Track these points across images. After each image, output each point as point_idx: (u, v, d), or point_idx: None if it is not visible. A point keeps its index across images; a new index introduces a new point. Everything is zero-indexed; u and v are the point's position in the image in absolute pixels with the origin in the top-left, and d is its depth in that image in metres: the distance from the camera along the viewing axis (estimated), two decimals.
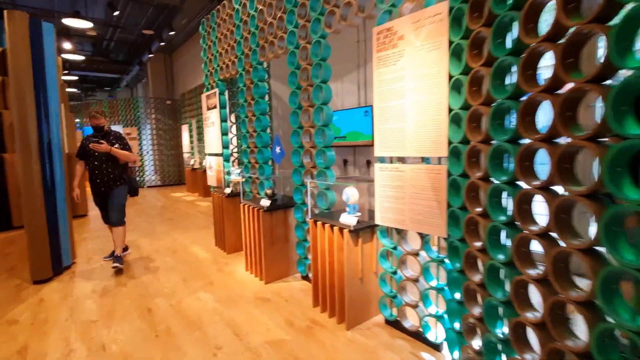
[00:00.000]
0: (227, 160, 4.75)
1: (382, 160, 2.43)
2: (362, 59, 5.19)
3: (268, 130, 3.90)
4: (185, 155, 11.35)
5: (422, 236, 2.22)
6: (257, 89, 3.75)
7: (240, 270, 3.77)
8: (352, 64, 5.32)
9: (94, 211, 7.57)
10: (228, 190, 4.34)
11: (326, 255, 2.63)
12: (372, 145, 4.94)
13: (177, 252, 4.52)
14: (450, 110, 1.95)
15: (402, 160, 2.33)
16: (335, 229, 2.51)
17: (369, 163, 5.22)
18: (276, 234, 3.42)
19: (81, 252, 4.62)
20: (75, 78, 14.07)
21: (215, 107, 4.66)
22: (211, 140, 4.96)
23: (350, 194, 2.66)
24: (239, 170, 4.54)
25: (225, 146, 4.69)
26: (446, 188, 1.99)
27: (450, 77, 1.92)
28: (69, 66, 12.49)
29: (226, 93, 4.76)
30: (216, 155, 4.88)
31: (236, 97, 4.25)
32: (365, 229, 2.50)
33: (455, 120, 1.94)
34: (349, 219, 2.51)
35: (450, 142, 1.96)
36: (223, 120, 4.63)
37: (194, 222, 6.21)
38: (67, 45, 8.77)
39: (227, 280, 3.50)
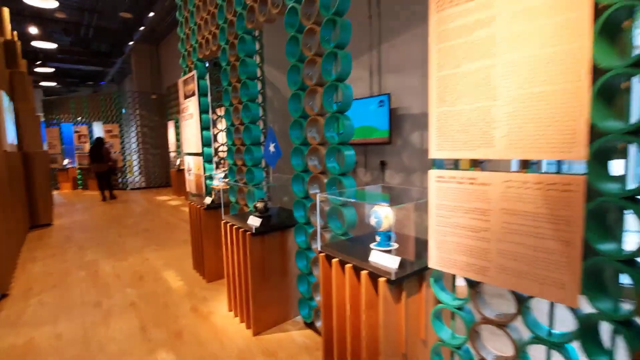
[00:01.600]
0: (208, 161, 3.79)
1: (439, 164, 1.50)
2: (375, 38, 4.26)
3: (259, 123, 2.95)
4: (172, 155, 10.35)
5: (521, 296, 1.29)
6: (244, 68, 2.79)
7: (222, 310, 2.82)
8: (362, 45, 4.38)
9: (63, 219, 6.58)
10: (208, 201, 3.39)
11: (346, 310, 1.69)
12: (388, 142, 4.00)
13: (143, 279, 3.55)
14: (597, 72, 1.02)
15: (479, 165, 1.39)
16: (363, 274, 1.57)
17: (383, 165, 4.29)
18: (270, 264, 2.47)
19: (22, 280, 3.63)
20: (51, 70, 12.97)
21: (193, 94, 3.69)
22: (189, 137, 4.00)
23: (383, 215, 1.73)
24: (222, 175, 3.58)
25: (206, 143, 3.73)
26: (583, 218, 1.06)
27: (598, 6, 0.99)
28: (43, 56, 11.42)
29: (208, 77, 3.80)
30: (195, 155, 3.92)
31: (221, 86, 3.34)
32: (412, 276, 1.56)
33: (606, 92, 1.01)
34: (385, 260, 1.57)
35: (596, 133, 1.04)
36: (203, 111, 3.67)
37: (173, 235, 5.23)
38: (33, 30, 7.73)
39: (201, 329, 2.55)
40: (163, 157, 11.31)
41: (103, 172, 8.68)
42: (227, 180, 3.43)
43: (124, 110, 11.22)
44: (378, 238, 1.78)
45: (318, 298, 2.35)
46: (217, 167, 4.13)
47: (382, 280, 1.48)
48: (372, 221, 1.76)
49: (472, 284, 1.43)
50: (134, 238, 5.13)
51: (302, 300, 2.54)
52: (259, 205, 2.60)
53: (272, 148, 2.59)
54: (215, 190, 3.64)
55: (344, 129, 1.97)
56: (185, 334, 2.48)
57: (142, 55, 12.13)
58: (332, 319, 1.80)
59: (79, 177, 11.41)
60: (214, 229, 3.34)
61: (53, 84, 15.82)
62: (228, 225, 2.62)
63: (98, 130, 11.36)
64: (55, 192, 10.40)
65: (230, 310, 2.77)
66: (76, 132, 11.53)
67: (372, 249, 1.76)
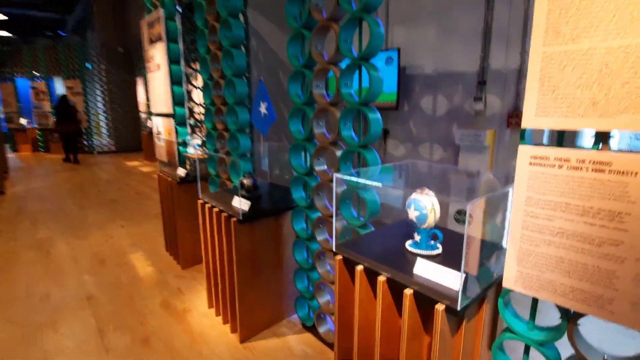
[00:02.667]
0: (181, 124, 3.14)
1: (534, 138, 0.99)
2: None
3: (245, 78, 2.32)
4: (142, 116, 9.40)
5: None
6: (224, 2, 2.12)
7: (200, 306, 2.33)
8: None
9: (18, 186, 5.78)
10: (182, 173, 2.79)
11: (375, 336, 1.23)
12: (395, 108, 3.45)
13: (105, 263, 2.99)
14: None
15: (606, 141, 0.89)
16: (407, 295, 1.08)
17: (385, 133, 3.76)
18: (261, 257, 1.97)
19: None
20: (4, 18, 11.29)
21: (160, 38, 2.96)
22: (157, 93, 3.30)
23: (428, 207, 1.23)
24: (199, 141, 2.96)
25: (177, 102, 3.06)
26: None
27: None
28: None
29: (179, 21, 3.05)
30: (165, 116, 3.25)
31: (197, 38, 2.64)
32: (475, 302, 1.09)
33: None
34: (439, 274, 1.08)
35: None
36: (173, 61, 2.97)
37: (144, 207, 4.62)
38: None
39: (174, 334, 2.06)
40: (133, 118, 10.30)
41: (70, 133, 7.81)
42: (204, 148, 2.82)
43: (89, 66, 9.99)
44: (417, 237, 1.29)
45: (322, 299, 1.89)
46: (192, 132, 3.48)
47: (440, 308, 1.00)
48: (412, 214, 1.26)
49: (572, 316, 0.97)
50: (97, 210, 4.48)
51: (299, 298, 2.08)
52: (246, 182, 2.05)
53: (263, 109, 2.00)
54: (191, 159, 3.03)
55: (372, 83, 1.40)
56: (153, 340, 1.99)
57: (105, 1, 10.66)
58: (352, 342, 1.34)
59: (39, 138, 10.31)
60: (189, 207, 2.77)
61: (6, 33, 13.94)
62: (207, 207, 2.07)
63: (59, 87, 10.14)
64: (12, 155, 9.37)
65: (211, 307, 2.29)
66: (33, 88, 10.27)
67: (412, 251, 1.27)
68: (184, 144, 3.11)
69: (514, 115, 2.75)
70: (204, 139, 2.99)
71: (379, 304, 1.17)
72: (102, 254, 3.15)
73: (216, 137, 2.57)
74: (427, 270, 1.11)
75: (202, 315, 2.23)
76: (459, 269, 1.04)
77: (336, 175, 1.37)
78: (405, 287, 1.09)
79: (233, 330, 2.05)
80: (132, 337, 2.02)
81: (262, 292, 2.02)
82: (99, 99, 10.00)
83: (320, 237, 1.81)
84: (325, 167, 1.78)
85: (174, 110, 3.07)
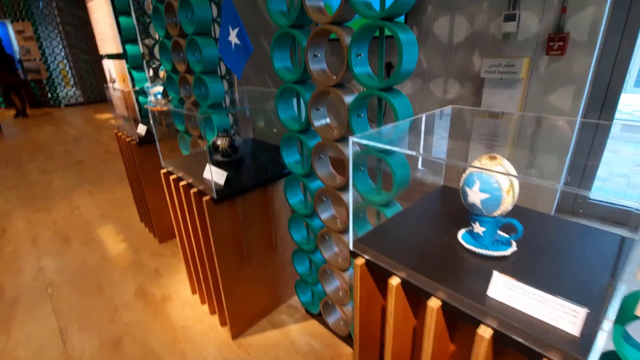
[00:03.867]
0: (136, 67, 2.50)
1: None
2: None
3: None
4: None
5: None
6: None
7: (182, 292, 1.96)
8: None
9: None
10: (142, 130, 2.23)
11: None
12: None
13: (70, 241, 2.56)
14: None
15: None
16: (485, 339, 0.66)
17: (389, 68, 3.16)
18: (249, 239, 1.54)
19: None
20: None
21: None
22: (103, 29, 2.60)
23: (501, 183, 0.76)
24: (160, 89, 2.36)
25: (127, 38, 2.39)
26: None
27: None
28: None
29: None
30: (115, 57, 2.59)
31: None
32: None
33: None
34: (537, 304, 0.66)
35: None
36: None
37: (115, 168, 4.08)
38: None
39: (151, 331, 1.71)
40: (97, 63, 9.18)
41: (9, 84, 7.03)
42: (168, 99, 2.24)
43: (40, 4, 8.59)
44: (479, 228, 0.85)
45: (330, 287, 1.51)
46: (153, 78, 2.84)
47: None
48: (475, 196, 0.81)
49: None
50: (62, 175, 3.94)
51: (299, 282, 1.71)
52: (221, 142, 1.53)
53: (233, 38, 1.41)
54: (155, 112, 2.45)
55: (403, 56, 0.85)
56: (126, 342, 1.64)
57: None
58: None
59: None
60: (157, 170, 2.27)
61: None
62: (171, 179, 1.57)
63: (3, 31, 8.81)
64: None
65: (195, 294, 1.93)
66: None
67: (471, 250, 0.84)
68: (144, 93, 2.50)
69: (557, 37, 2.18)
70: (162, 84, 2.39)
71: (428, 335, 0.77)
72: (66, 230, 2.71)
73: (178, 82, 1.98)
74: (513, 294, 0.68)
75: (184, 304, 1.87)
76: (563, 289, 0.61)
77: (353, 139, 0.87)
78: (476, 320, 0.68)
79: (223, 323, 1.70)
80: (101, 340, 1.66)
81: (254, 278, 1.63)
82: (54, 43, 8.78)
83: (324, 215, 1.37)
84: (328, 120, 1.27)
85: (124, 49, 2.41)
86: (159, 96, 2.37)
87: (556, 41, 2.19)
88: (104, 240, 2.53)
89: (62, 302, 1.93)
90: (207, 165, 1.43)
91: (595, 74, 2.29)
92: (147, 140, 2.15)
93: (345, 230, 1.32)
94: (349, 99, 1.12)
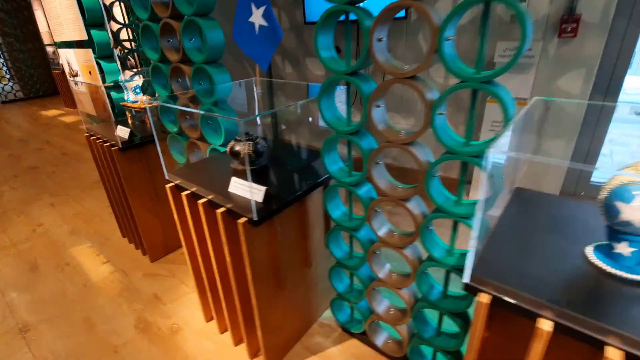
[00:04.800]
0: (105, 56, 2.11)
1: None
2: None
3: None
4: (49, 50, 7.39)
5: None
6: None
7: (194, 320, 1.69)
8: None
9: None
10: (123, 133, 1.87)
11: None
12: (404, 17, 2.62)
13: (39, 267, 2.16)
14: None
15: None
16: None
17: None
18: (284, 259, 1.30)
19: None
20: None
21: None
22: (57, 10, 2.15)
23: None
24: (138, 82, 2.00)
25: (92, 22, 1.99)
26: None
27: None
28: None
29: None
30: (77, 46, 2.17)
31: None
32: None
33: None
34: None
35: None
36: None
37: (78, 172, 3.58)
38: None
39: None
40: (38, 53, 8.13)
41: None
42: (154, 96, 1.89)
43: None
44: (628, 249, 0.70)
45: (380, 307, 1.33)
46: (124, 68, 2.43)
47: None
48: (633, 214, 0.65)
49: None
50: (13, 185, 3.39)
51: (336, 301, 1.51)
52: (242, 148, 1.26)
53: (257, 19, 1.14)
54: (133, 111, 2.09)
55: None
56: None
57: None
58: None
59: None
60: (144, 180, 1.94)
61: None
62: (184, 196, 1.28)
63: None
64: None
65: (210, 320, 1.67)
66: None
67: (615, 274, 0.69)
68: (118, 88, 2.13)
69: (570, 19, 2.09)
70: (147, 77, 2.04)
71: None
72: (30, 254, 2.29)
73: (170, 75, 1.65)
74: None
75: (199, 334, 1.60)
76: None
77: (493, 152, 0.67)
78: None
79: (253, 354, 1.47)
80: None
81: (289, 302, 1.41)
82: None
83: (381, 231, 1.17)
84: (386, 117, 1.06)
85: (89, 35, 2.01)
86: (138, 91, 2.01)
87: (569, 23, 2.11)
88: (82, 263, 2.16)
89: (44, 347, 1.59)
90: (234, 179, 1.17)
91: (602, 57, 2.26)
92: (129, 144, 1.81)
93: (405, 245, 1.13)
94: (432, 95, 0.92)
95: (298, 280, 1.43)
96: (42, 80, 8.34)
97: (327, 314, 1.66)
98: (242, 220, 1.06)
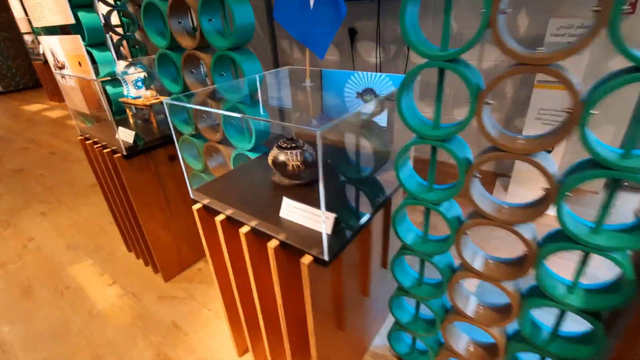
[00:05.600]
0: (96, 45, 1.80)
1: None
2: None
3: None
4: (27, 39, 6.86)
5: None
6: None
7: (227, 354, 1.45)
8: None
9: None
10: (127, 136, 1.57)
11: None
12: None
13: (33, 289, 1.88)
14: None
15: None
16: None
17: (352, 35, 2.67)
18: (347, 295, 1.06)
19: None
20: None
21: None
22: None
23: None
24: (140, 75, 1.69)
25: (79, 3, 1.67)
26: None
27: None
28: None
29: None
30: (62, 31, 1.84)
31: None
32: None
33: None
34: None
35: None
36: None
37: (69, 174, 3.26)
38: None
39: None
40: (15, 43, 7.56)
41: None
42: (161, 91, 1.60)
43: None
44: None
45: (457, 342, 1.10)
46: (120, 56, 2.11)
47: None
48: None
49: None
50: None
51: (395, 332, 1.28)
52: (289, 158, 0.99)
53: None
54: (134, 109, 1.79)
55: None
56: None
57: None
58: None
59: None
60: (154, 189, 1.66)
61: None
62: (218, 221, 1.01)
63: None
64: None
65: (245, 354, 1.43)
66: None
67: None
68: (114, 82, 1.82)
69: None
70: (150, 69, 1.73)
71: None
72: (22, 275, 2.00)
73: (182, 64, 1.36)
74: None
75: None
76: None
77: None
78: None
79: None
80: None
81: (350, 337, 1.17)
82: None
83: (474, 260, 0.93)
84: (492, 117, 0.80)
85: (77, 18, 1.68)
86: (140, 84, 1.70)
87: None
88: (84, 285, 1.89)
89: None
90: (288, 202, 0.90)
91: None
92: (136, 150, 1.52)
93: (508, 280, 0.89)
94: (579, 87, 0.66)
95: (357, 312, 1.19)
96: (22, 73, 7.81)
97: (379, 340, 1.43)
98: (307, 259, 0.80)
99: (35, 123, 5.14)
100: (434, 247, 1.00)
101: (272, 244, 0.86)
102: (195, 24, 1.21)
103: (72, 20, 1.67)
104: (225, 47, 1.15)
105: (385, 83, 1.26)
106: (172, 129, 1.05)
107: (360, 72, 1.18)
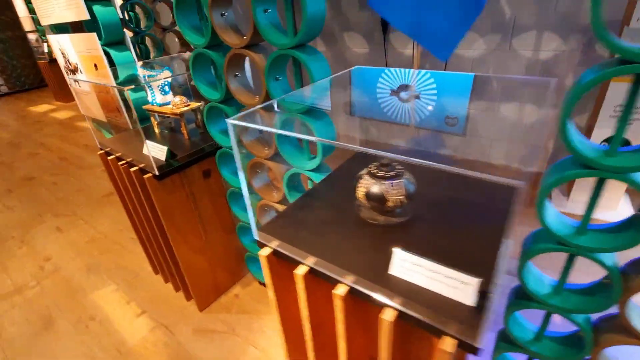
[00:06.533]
0: (114, 43, 1.56)
1: None
2: None
3: None
4: (31, 37, 6.64)
5: None
6: None
7: None
8: None
9: None
10: (158, 153, 1.35)
11: None
12: None
13: (54, 320, 1.69)
14: None
15: None
16: None
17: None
18: None
19: None
20: None
21: None
22: None
23: None
24: (167, 77, 1.45)
25: None
26: None
27: None
28: None
29: None
30: (74, 29, 1.62)
31: None
32: None
33: None
34: None
35: None
36: None
37: (83, 182, 3.06)
38: None
39: None
40: (19, 42, 7.35)
41: None
42: (190, 96, 1.37)
43: None
44: None
45: None
46: (140, 56, 1.87)
47: None
48: None
49: None
50: (8, 203, 2.87)
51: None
52: (387, 190, 0.76)
53: None
54: (159, 118, 1.56)
55: None
56: None
57: None
58: None
59: None
60: (189, 211, 1.44)
61: None
62: (302, 279, 0.78)
63: None
64: None
65: None
66: None
67: None
68: (137, 87, 1.59)
69: None
70: (183, 72, 1.51)
71: None
72: (42, 302, 1.81)
73: (226, 65, 1.12)
74: None
75: None
76: None
77: None
78: None
79: None
80: None
81: None
82: None
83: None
84: None
85: (92, 13, 1.45)
86: (166, 89, 1.47)
87: None
88: (111, 315, 1.69)
89: None
90: (401, 254, 0.67)
91: None
92: (170, 169, 1.29)
93: None
94: None
95: None
96: (27, 72, 7.61)
97: None
98: (449, 345, 0.57)
99: (43, 125, 4.95)
100: (574, 300, 0.77)
101: (389, 316, 0.63)
102: (248, 15, 0.97)
103: (86, 16, 1.44)
104: (288, 46, 0.91)
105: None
106: (236, 154, 0.82)
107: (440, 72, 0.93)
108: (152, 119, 1.55)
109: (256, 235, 0.86)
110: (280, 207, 1.25)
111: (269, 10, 0.95)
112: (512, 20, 2.22)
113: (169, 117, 1.57)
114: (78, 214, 2.57)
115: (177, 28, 2.15)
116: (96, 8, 1.46)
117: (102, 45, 1.50)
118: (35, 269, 2.05)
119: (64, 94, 6.07)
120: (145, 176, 1.26)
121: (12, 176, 3.36)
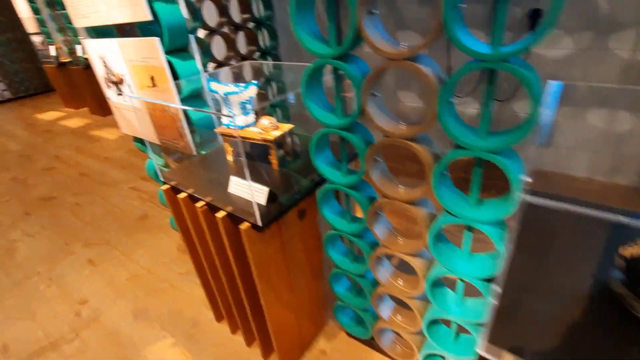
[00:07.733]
0: (178, 50, 1.26)
1: None
2: None
3: None
4: (36, 40, 6.30)
5: None
6: None
7: None
8: None
9: None
10: (260, 197, 1.04)
11: None
12: None
13: None
14: None
15: None
16: None
17: (534, 17, 2.10)
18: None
19: None
20: None
21: None
22: None
23: None
24: (252, 94, 1.15)
25: None
26: None
27: None
28: None
29: None
30: (119, 32, 1.31)
31: None
32: None
33: None
34: None
35: None
36: None
37: (108, 205, 2.75)
38: None
39: None
40: (21, 45, 7.02)
41: None
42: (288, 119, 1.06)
43: None
44: None
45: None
46: (217, 66, 1.56)
47: None
48: None
49: None
50: (28, 229, 2.56)
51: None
52: None
53: None
54: (238, 143, 1.25)
55: None
56: None
57: None
58: None
59: None
60: (280, 263, 1.14)
61: None
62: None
63: None
64: None
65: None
66: None
67: None
68: (196, 99, 1.29)
69: None
70: (294, 90, 1.20)
71: None
72: None
73: (368, 80, 0.81)
74: None
75: None
76: None
77: None
78: None
79: None
80: None
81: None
82: None
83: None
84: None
85: (154, 13, 1.15)
86: (250, 107, 1.17)
87: None
88: None
89: None
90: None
91: None
92: (272, 218, 0.98)
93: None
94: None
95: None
96: (31, 77, 7.28)
97: None
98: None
99: (54, 134, 4.63)
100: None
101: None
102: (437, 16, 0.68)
103: (148, 16, 1.14)
104: (499, 57, 0.60)
105: None
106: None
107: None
108: (226, 145, 1.25)
109: (481, 348, 0.56)
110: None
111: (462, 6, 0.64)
112: (609, 15, 1.92)
113: (259, 144, 1.26)
114: (111, 242, 2.27)
115: (225, 30, 1.83)
116: (158, 6, 1.15)
117: (165, 53, 1.19)
118: (70, 316, 1.75)
119: (74, 99, 5.75)
120: (242, 226, 0.95)
121: (29, 196, 3.05)
